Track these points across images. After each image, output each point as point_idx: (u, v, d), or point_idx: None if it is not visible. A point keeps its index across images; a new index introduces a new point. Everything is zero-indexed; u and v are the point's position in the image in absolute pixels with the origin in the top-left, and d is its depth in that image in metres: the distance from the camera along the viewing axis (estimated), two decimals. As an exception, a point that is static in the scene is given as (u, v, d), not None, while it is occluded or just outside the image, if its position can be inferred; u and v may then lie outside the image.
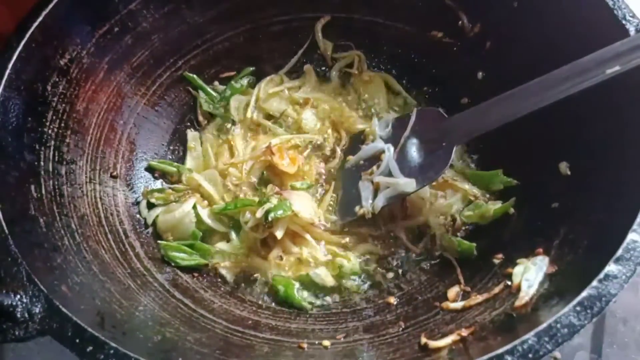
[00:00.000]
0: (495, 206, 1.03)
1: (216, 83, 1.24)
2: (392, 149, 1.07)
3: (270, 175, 1.12)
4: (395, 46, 1.23)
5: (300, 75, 1.28)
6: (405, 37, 1.20)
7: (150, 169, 1.15)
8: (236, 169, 1.14)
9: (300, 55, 1.26)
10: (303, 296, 1.00)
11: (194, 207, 1.07)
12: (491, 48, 1.10)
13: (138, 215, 1.08)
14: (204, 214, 1.07)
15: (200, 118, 1.22)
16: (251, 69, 1.25)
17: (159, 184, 1.15)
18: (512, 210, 1.01)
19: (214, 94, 1.23)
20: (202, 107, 1.22)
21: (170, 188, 1.13)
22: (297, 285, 1.01)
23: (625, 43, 0.82)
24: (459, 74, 1.16)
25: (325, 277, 1.01)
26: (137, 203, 1.09)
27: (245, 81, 1.24)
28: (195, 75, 1.19)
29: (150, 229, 1.07)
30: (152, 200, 1.09)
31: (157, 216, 1.08)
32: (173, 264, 1.02)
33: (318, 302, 1.01)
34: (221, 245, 1.05)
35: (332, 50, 1.26)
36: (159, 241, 1.04)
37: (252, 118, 1.21)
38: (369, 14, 1.21)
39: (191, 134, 1.19)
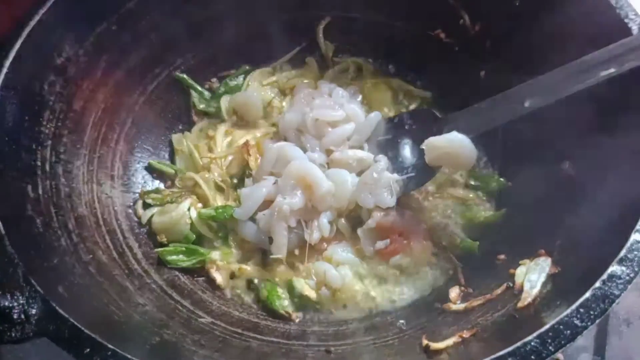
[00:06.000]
0: (486, 213, 1.03)
1: (214, 80, 1.24)
2: (384, 160, 1.05)
3: (251, 172, 1.10)
4: (396, 46, 1.22)
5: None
6: (406, 36, 1.19)
7: (149, 169, 1.14)
8: (217, 165, 1.13)
9: (299, 52, 1.26)
10: (283, 304, 0.98)
11: (189, 209, 1.06)
12: (492, 47, 1.10)
13: (135, 216, 1.07)
14: (195, 217, 1.06)
15: (195, 117, 1.22)
16: (247, 67, 1.24)
17: (157, 184, 1.14)
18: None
19: (206, 92, 1.22)
20: (195, 106, 1.21)
21: (167, 189, 1.12)
22: (281, 291, 1.00)
23: (620, 45, 0.81)
24: (460, 74, 1.16)
25: (303, 286, 0.99)
26: (135, 203, 1.08)
27: (241, 79, 1.24)
28: (185, 75, 1.19)
29: (146, 228, 1.07)
30: (149, 201, 1.09)
31: (152, 216, 1.07)
32: (172, 266, 1.01)
33: (295, 314, 0.99)
34: (212, 255, 1.04)
35: (334, 53, 1.26)
36: (156, 249, 1.03)
37: (237, 112, 1.20)
38: (369, 14, 1.21)
39: (175, 137, 1.18)
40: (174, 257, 1.02)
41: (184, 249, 1.03)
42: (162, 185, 1.15)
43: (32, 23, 0.88)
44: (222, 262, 1.03)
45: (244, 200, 1.03)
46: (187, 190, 1.11)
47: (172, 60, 1.17)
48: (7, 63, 0.84)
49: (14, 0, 0.94)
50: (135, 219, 1.07)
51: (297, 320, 0.98)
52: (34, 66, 0.89)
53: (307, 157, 1.06)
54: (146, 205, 1.08)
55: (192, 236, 1.05)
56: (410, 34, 1.18)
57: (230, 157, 1.14)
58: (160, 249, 1.02)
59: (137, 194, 1.10)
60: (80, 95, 0.98)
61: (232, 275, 1.03)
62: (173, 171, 1.14)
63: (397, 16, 1.18)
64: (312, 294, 0.98)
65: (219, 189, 1.11)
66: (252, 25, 1.20)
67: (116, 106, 1.07)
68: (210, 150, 1.16)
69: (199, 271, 1.03)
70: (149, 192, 1.10)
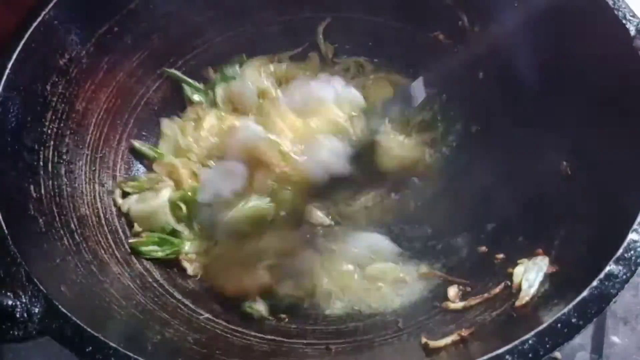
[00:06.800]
0: None
1: (209, 69, 1.22)
2: None
3: None
4: (396, 47, 1.23)
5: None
6: (406, 37, 1.20)
7: (133, 153, 1.12)
8: (198, 147, 1.11)
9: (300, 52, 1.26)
10: (258, 309, 0.96)
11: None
12: (491, 48, 1.10)
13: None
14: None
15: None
16: (244, 56, 1.23)
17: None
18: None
19: (198, 84, 1.20)
20: (189, 98, 1.19)
21: (145, 175, 1.10)
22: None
23: None
24: (459, 75, 1.16)
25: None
26: (113, 192, 1.05)
27: (237, 68, 1.22)
28: (174, 70, 1.17)
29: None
30: (127, 189, 1.05)
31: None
32: (147, 257, 0.98)
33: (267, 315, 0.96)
34: (185, 245, 1.03)
35: (334, 54, 1.26)
36: (130, 241, 0.99)
37: (232, 101, 1.18)
38: (369, 14, 1.21)
39: (165, 122, 1.16)
40: (148, 247, 0.99)
41: (156, 239, 1.01)
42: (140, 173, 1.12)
43: (35, 24, 0.88)
44: (192, 255, 1.02)
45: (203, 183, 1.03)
46: (165, 175, 1.08)
47: (174, 61, 1.17)
48: (10, 64, 0.84)
49: (17, 1, 0.94)
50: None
51: (286, 320, 0.96)
52: (37, 67, 0.90)
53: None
54: (125, 195, 1.06)
55: (169, 226, 1.03)
56: (410, 35, 1.19)
57: (214, 140, 1.11)
58: (133, 240, 0.99)
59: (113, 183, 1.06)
60: (83, 95, 0.99)
61: (203, 267, 1.01)
62: (154, 155, 1.12)
63: (397, 18, 1.18)
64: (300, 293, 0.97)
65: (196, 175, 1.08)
66: (253, 27, 1.20)
67: (118, 106, 1.08)
68: (197, 131, 1.14)
69: (173, 262, 1.01)
70: (125, 180, 1.07)
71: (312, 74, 1.23)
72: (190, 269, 1.01)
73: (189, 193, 1.04)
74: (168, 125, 1.16)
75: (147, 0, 1.05)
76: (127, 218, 1.04)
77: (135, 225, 1.03)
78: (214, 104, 1.19)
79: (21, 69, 0.86)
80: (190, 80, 1.20)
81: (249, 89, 1.17)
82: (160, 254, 1.00)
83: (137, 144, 1.12)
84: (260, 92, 1.19)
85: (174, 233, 1.04)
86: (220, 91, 1.19)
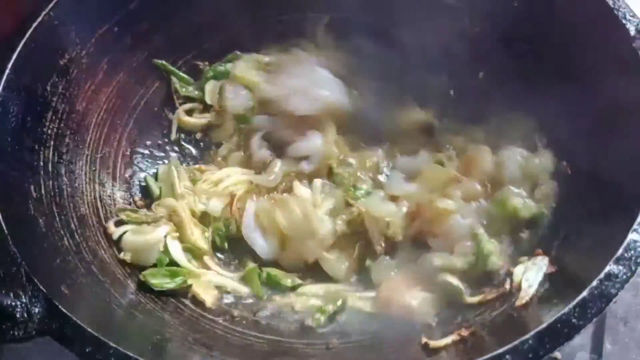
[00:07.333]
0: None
1: (206, 62, 1.20)
2: None
3: None
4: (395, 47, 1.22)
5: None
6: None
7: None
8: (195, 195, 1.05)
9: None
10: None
11: (166, 236, 0.98)
12: (491, 48, 1.10)
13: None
14: (176, 247, 0.98)
15: (178, 102, 1.18)
16: (238, 52, 1.21)
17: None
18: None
19: (187, 77, 1.18)
20: (177, 91, 1.17)
21: (141, 209, 1.05)
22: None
23: None
24: (459, 74, 1.16)
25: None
26: (107, 220, 1.00)
27: (230, 65, 1.20)
28: (164, 61, 1.15)
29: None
30: (123, 217, 1.00)
31: (125, 233, 0.97)
32: (157, 289, 0.92)
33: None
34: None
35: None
36: (143, 272, 0.93)
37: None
38: (369, 14, 1.21)
39: (161, 168, 1.11)
40: (158, 280, 0.93)
41: (166, 272, 0.94)
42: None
43: (35, 24, 0.88)
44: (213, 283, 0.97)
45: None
46: (166, 217, 1.02)
47: (174, 61, 1.17)
48: (10, 64, 0.85)
49: (17, 1, 0.95)
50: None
51: None
52: (37, 67, 0.90)
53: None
54: (118, 223, 0.99)
55: (165, 260, 0.96)
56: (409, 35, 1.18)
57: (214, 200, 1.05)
58: (145, 272, 0.93)
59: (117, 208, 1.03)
60: (83, 96, 0.99)
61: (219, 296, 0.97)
62: (157, 192, 1.07)
63: (396, 17, 1.18)
64: None
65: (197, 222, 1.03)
66: (253, 27, 1.20)
67: (118, 107, 1.08)
68: (194, 182, 1.08)
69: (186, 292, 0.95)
70: (125, 209, 1.03)
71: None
72: (210, 300, 0.94)
73: (197, 245, 1.00)
74: (163, 172, 1.10)
75: (147, 0, 1.05)
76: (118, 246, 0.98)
77: (124, 254, 0.95)
78: (202, 98, 1.18)
79: (21, 69, 0.86)
80: (180, 72, 1.18)
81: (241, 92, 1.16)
82: (172, 285, 0.93)
83: (148, 178, 1.10)
84: (249, 87, 1.17)
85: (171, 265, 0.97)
86: (209, 87, 1.18)
